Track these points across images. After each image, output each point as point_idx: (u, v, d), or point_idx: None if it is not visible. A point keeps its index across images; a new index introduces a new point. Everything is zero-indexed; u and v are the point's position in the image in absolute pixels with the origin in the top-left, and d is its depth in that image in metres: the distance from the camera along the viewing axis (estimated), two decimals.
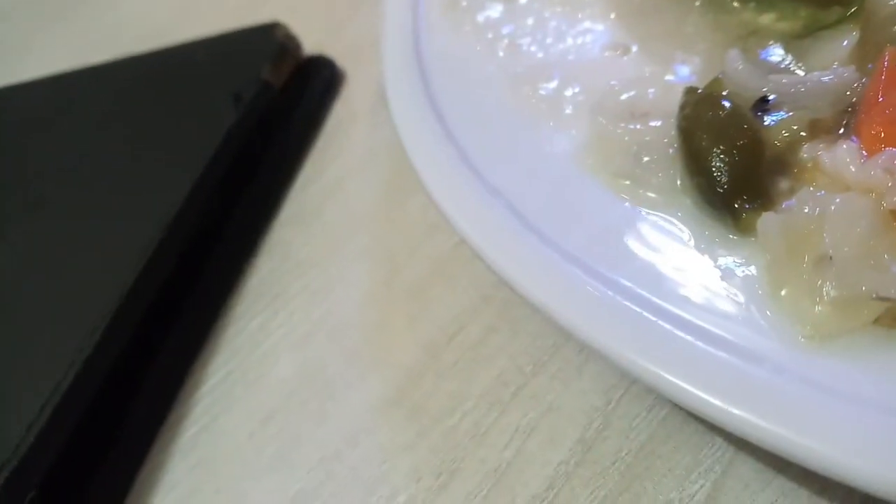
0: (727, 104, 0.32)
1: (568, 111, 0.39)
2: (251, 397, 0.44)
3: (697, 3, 0.41)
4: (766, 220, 0.29)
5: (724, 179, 0.31)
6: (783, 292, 0.28)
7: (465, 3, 0.46)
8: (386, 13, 0.45)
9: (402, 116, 0.40)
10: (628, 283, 0.30)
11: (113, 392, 0.45)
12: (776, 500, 0.30)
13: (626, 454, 0.33)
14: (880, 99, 0.31)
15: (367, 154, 0.54)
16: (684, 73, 0.39)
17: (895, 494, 0.21)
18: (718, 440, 0.32)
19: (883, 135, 0.30)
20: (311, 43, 0.59)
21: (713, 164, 0.31)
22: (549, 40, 0.43)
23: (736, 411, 0.25)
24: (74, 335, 0.44)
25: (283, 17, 0.59)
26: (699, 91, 0.34)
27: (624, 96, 0.38)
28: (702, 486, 0.31)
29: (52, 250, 0.52)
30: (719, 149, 0.31)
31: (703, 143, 0.32)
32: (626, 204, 0.34)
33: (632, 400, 0.34)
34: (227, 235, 0.53)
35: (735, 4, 0.40)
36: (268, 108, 0.54)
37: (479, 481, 0.34)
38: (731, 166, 0.31)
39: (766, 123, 0.33)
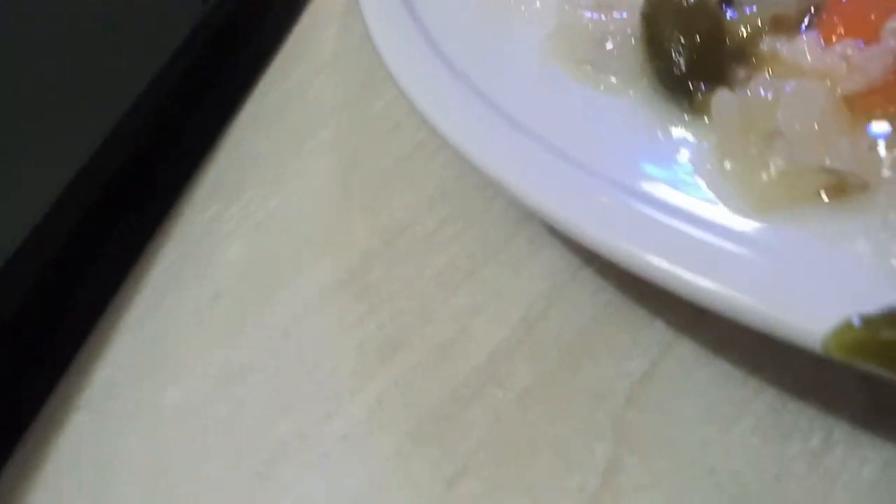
0: None
1: (538, 4, 0.39)
2: (200, 278, 0.43)
3: None
4: (721, 98, 0.29)
5: (682, 62, 0.31)
6: (732, 165, 0.28)
7: None
8: None
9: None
10: (584, 158, 0.30)
11: (61, 272, 0.45)
12: (709, 380, 0.31)
13: (567, 334, 0.33)
14: None
15: (335, 56, 0.53)
16: None
17: (815, 344, 0.22)
18: (659, 323, 0.32)
19: (841, 28, 0.30)
20: None
21: (673, 48, 0.31)
22: None
23: (678, 270, 0.25)
24: (28, 206, 0.44)
25: None
26: None
27: None
28: (639, 364, 0.31)
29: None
30: (680, 34, 0.32)
31: (665, 30, 0.32)
32: (588, 89, 0.34)
33: (577, 286, 0.35)
34: (187, 130, 0.52)
35: None
36: (237, 5, 0.53)
37: (423, 355, 0.35)
38: (690, 51, 0.31)
39: (729, 17, 0.33)
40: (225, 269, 0.43)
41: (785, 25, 0.33)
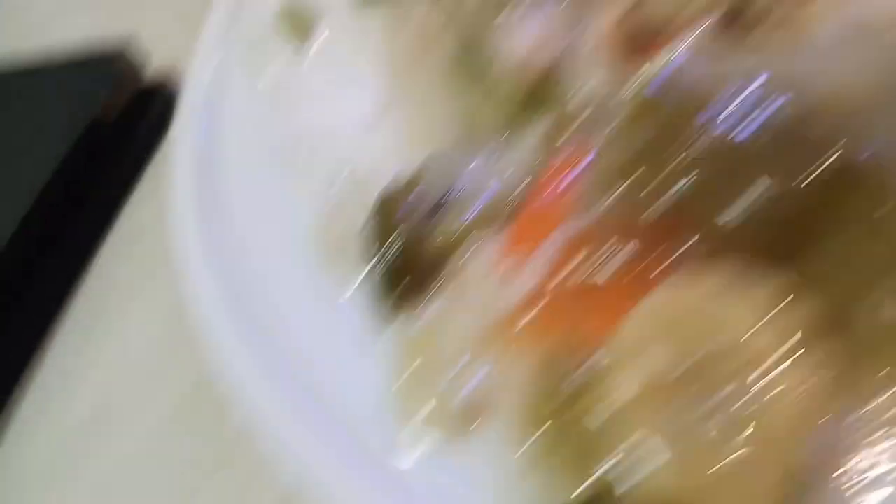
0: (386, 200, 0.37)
1: (312, 185, 0.43)
2: None
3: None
4: (399, 326, 0.33)
5: (381, 276, 0.35)
6: (402, 395, 0.32)
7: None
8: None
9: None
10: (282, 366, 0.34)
11: None
12: None
13: None
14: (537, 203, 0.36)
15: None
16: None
17: None
18: None
19: (521, 241, 0.34)
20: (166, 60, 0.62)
21: (374, 260, 0.36)
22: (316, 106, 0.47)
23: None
24: None
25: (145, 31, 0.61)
26: (393, 188, 0.38)
27: (356, 176, 0.42)
28: None
29: None
30: (386, 239, 0.36)
31: (374, 235, 0.36)
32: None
33: None
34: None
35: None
36: (98, 141, 0.58)
37: None
38: (392, 257, 0.35)
39: (436, 222, 0.37)
40: None
41: (490, 225, 0.37)
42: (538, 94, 0.40)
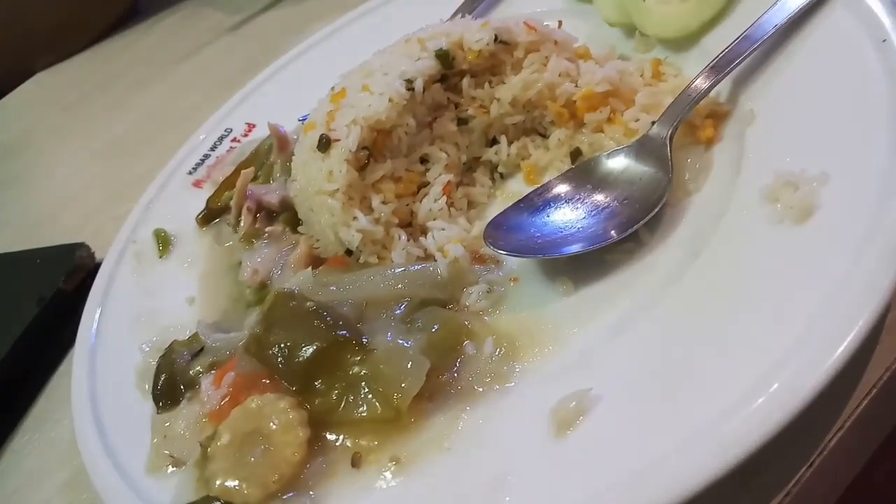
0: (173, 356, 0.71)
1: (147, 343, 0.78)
2: None
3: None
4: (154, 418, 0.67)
5: (155, 391, 0.69)
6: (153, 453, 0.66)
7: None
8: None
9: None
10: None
11: None
12: None
13: None
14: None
15: None
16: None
17: None
18: None
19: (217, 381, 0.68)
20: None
21: (155, 386, 0.70)
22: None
23: None
24: None
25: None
26: (175, 345, 0.72)
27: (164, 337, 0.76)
28: None
29: None
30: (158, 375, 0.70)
31: (157, 375, 0.70)
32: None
33: None
34: None
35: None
36: (61, 308, 0.94)
37: None
38: (158, 388, 0.69)
39: (194, 361, 0.71)
40: None
41: (211, 369, 0.70)
42: (259, 294, 0.74)
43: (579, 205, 0.68)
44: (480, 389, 0.59)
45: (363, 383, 0.58)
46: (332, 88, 0.79)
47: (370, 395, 0.58)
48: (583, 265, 0.65)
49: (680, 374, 0.51)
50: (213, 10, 1.60)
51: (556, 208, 0.68)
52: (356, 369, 0.59)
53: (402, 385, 0.57)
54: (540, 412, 0.54)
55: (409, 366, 0.58)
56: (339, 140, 0.72)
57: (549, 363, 0.59)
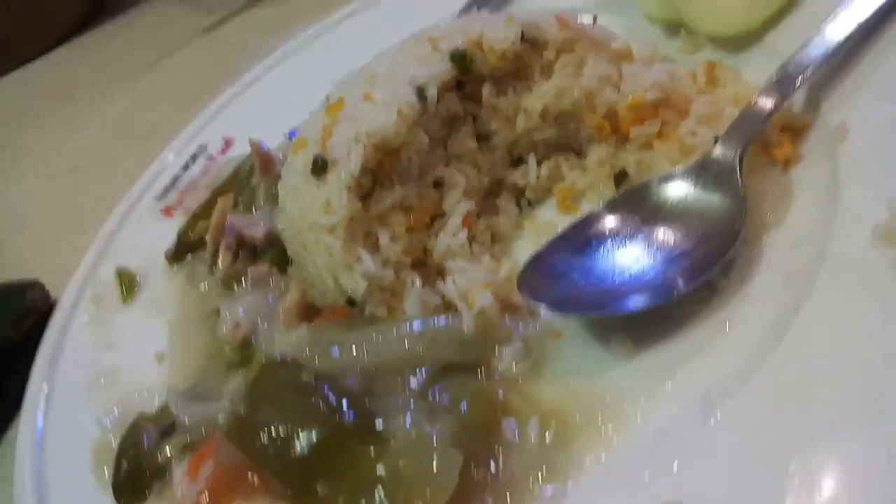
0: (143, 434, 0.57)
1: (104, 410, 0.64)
2: None
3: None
4: None
5: (116, 482, 0.56)
6: None
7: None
8: None
9: None
10: None
11: None
12: None
13: None
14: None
15: None
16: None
17: None
18: None
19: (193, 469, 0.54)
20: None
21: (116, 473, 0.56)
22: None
23: None
24: None
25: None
26: (140, 419, 0.59)
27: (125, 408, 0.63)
28: None
29: None
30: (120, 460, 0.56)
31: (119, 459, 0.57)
32: None
33: None
34: None
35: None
36: (8, 360, 0.80)
37: None
38: (119, 477, 0.56)
39: (163, 441, 0.57)
40: None
41: (186, 452, 0.57)
42: (242, 353, 0.61)
43: (632, 243, 0.55)
44: (531, 489, 0.46)
45: (378, 486, 0.45)
46: (327, 98, 0.65)
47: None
48: (642, 318, 0.52)
49: (799, 478, 0.39)
50: (185, 10, 1.46)
51: (603, 248, 0.56)
52: (368, 467, 0.46)
53: (428, 490, 0.44)
54: None
55: (436, 462, 0.45)
56: (337, 162, 0.59)
57: (615, 452, 0.46)
